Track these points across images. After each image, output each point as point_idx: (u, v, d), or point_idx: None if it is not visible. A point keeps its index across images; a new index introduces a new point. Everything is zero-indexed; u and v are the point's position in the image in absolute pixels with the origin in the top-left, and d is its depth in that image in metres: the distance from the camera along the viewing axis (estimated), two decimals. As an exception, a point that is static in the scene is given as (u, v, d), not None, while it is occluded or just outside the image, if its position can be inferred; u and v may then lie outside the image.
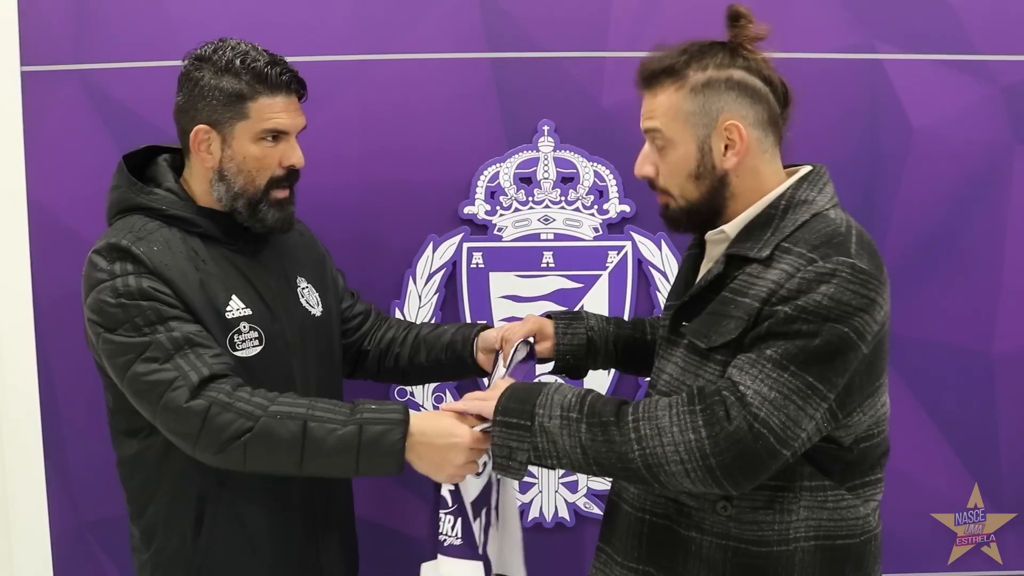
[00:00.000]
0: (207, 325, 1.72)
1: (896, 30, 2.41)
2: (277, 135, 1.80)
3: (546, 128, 2.40)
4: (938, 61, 2.42)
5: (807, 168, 1.66)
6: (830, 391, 1.45)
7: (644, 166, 1.67)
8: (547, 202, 2.41)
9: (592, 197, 2.41)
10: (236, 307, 1.77)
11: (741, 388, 1.44)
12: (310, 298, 1.95)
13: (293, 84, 1.81)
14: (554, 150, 2.40)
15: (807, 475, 1.55)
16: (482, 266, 2.42)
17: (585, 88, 2.41)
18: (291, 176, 1.84)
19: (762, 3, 2.32)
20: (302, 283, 1.95)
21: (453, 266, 2.41)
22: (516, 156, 2.41)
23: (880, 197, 2.43)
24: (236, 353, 1.75)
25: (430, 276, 2.42)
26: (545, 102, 2.40)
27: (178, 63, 2.31)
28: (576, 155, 2.40)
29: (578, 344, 1.97)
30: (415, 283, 2.41)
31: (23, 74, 2.36)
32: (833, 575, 1.57)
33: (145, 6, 2.36)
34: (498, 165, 2.40)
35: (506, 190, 2.40)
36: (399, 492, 2.51)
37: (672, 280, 2.19)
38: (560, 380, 1.63)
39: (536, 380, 1.73)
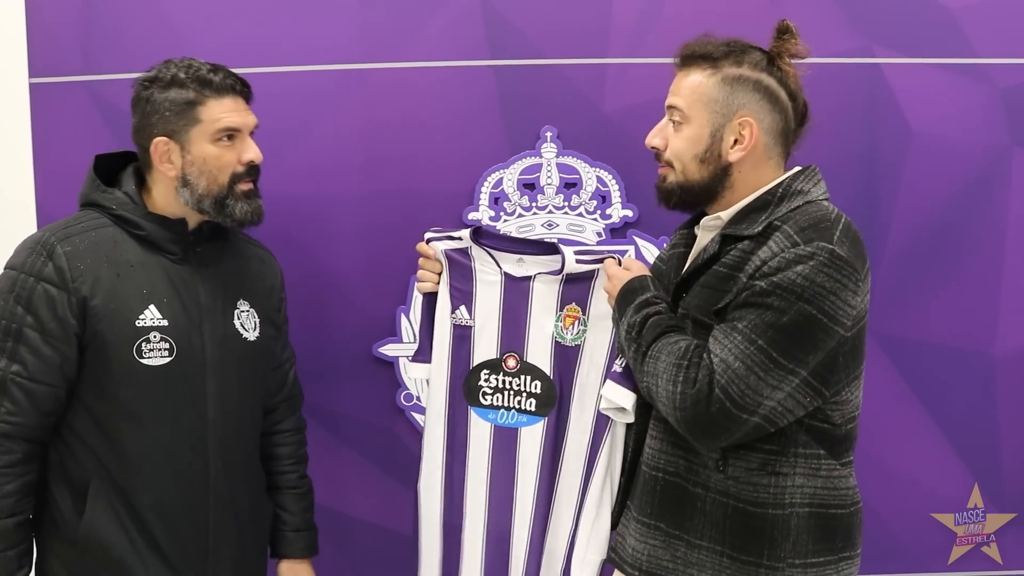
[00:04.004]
0: (107, 329, 1.79)
1: (894, 34, 2.43)
2: (232, 134, 1.88)
3: (549, 134, 2.42)
4: (936, 65, 2.44)
5: (798, 167, 1.77)
6: (797, 366, 1.57)
7: (655, 137, 1.79)
8: (550, 207, 2.44)
9: (595, 202, 2.43)
10: (150, 316, 1.83)
11: (712, 356, 1.59)
12: (247, 322, 1.98)
13: (237, 86, 1.90)
14: (557, 156, 2.42)
15: (802, 443, 1.65)
16: (486, 271, 2.44)
17: (587, 95, 2.43)
18: (252, 171, 1.92)
19: (761, 8, 2.36)
20: (243, 306, 1.99)
21: (458, 272, 2.43)
22: (519, 162, 2.43)
23: (880, 200, 2.44)
24: (142, 361, 1.81)
25: (435, 282, 2.43)
26: (547, 109, 2.43)
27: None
28: (579, 161, 2.42)
29: None
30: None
31: (31, 85, 2.39)
32: (825, 543, 1.68)
33: (151, 17, 2.39)
34: (502, 171, 2.43)
35: (510, 196, 2.43)
36: (384, 486, 2.52)
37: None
38: (657, 293, 1.80)
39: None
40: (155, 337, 1.82)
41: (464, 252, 2.03)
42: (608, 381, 1.89)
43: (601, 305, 1.93)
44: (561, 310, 1.97)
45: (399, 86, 2.41)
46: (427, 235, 2.06)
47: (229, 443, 1.93)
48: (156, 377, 1.83)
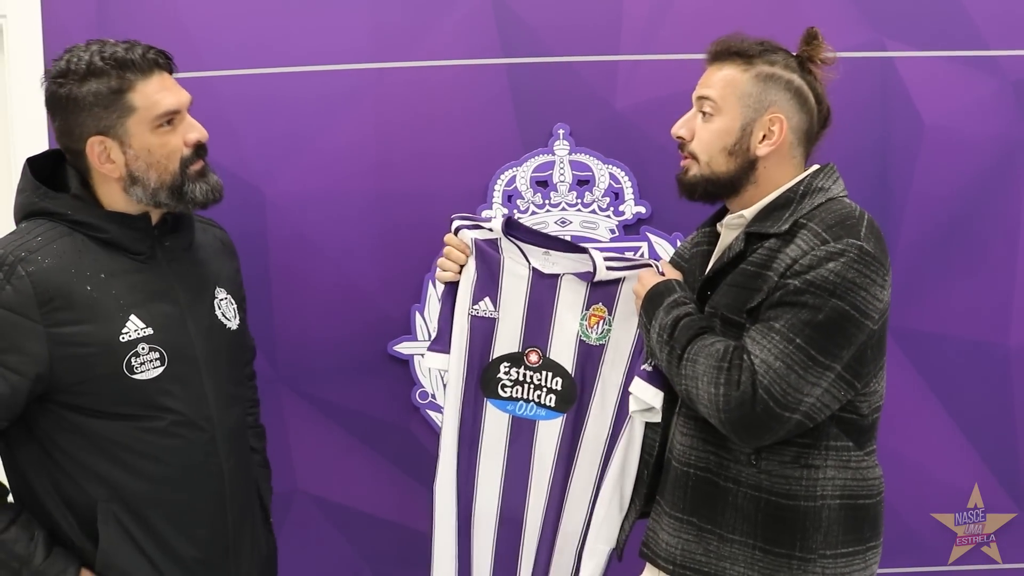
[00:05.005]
0: (92, 353, 1.64)
1: (906, 27, 2.43)
2: (171, 118, 1.70)
3: (561, 132, 2.43)
4: (948, 57, 2.44)
5: (817, 166, 1.80)
6: (833, 362, 1.60)
7: (681, 128, 1.80)
8: (563, 205, 2.44)
9: (608, 199, 2.44)
10: (133, 328, 1.67)
11: (752, 357, 1.60)
12: (227, 310, 1.88)
13: (160, 60, 1.71)
14: (569, 153, 2.43)
15: (833, 435, 1.68)
16: (500, 269, 2.45)
17: (599, 91, 2.43)
18: (200, 151, 1.75)
19: (773, 4, 2.36)
20: (221, 294, 1.87)
21: (472, 269, 2.44)
22: (532, 160, 2.44)
23: (893, 193, 2.45)
24: (135, 376, 1.67)
25: (449, 279, 2.44)
26: (560, 106, 2.44)
27: (199, 74, 2.37)
28: (591, 158, 2.43)
29: None
30: (435, 287, 2.43)
31: (47, 87, 2.40)
32: (854, 533, 1.70)
33: (165, 20, 2.41)
34: (515, 169, 2.44)
35: (523, 193, 2.44)
36: (400, 483, 2.53)
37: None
38: (683, 294, 1.80)
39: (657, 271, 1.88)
40: (144, 349, 1.68)
41: (493, 243, 2.00)
42: (636, 379, 1.89)
43: (626, 306, 1.93)
44: (587, 310, 1.97)
45: (412, 85, 2.42)
46: (455, 222, 2.02)
47: (233, 438, 1.84)
48: (153, 389, 1.69)
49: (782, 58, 1.76)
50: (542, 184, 2.44)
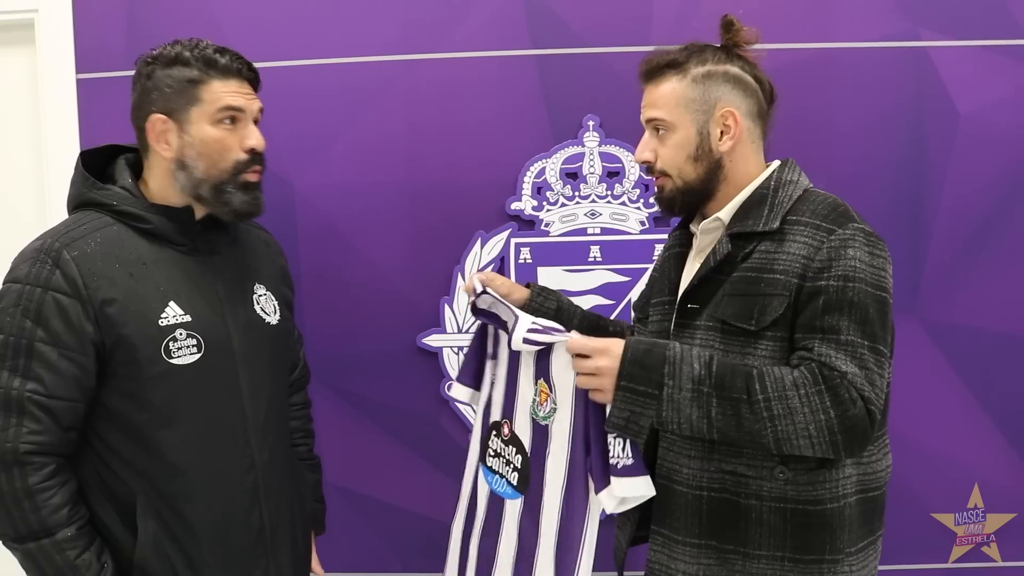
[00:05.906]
0: (133, 333, 1.68)
1: (940, 17, 2.40)
2: (234, 117, 1.77)
3: (591, 123, 2.42)
4: (983, 47, 2.41)
5: (779, 160, 1.81)
6: (886, 347, 1.63)
7: (643, 152, 1.80)
8: (593, 196, 2.43)
9: (638, 191, 2.43)
10: (172, 314, 1.73)
11: (844, 370, 1.57)
12: (266, 306, 1.91)
13: (244, 69, 1.79)
14: (599, 145, 2.42)
15: None
16: (530, 261, 2.44)
17: (629, 83, 2.39)
18: (256, 159, 1.80)
19: (805, -7, 2.34)
20: (260, 290, 1.91)
21: (501, 261, 2.44)
22: (562, 152, 2.43)
23: (928, 185, 2.42)
24: (172, 361, 1.71)
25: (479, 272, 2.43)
26: (590, 97, 2.43)
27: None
28: (621, 149, 2.42)
29: (548, 309, 2.00)
30: (464, 279, 2.43)
31: (78, 81, 2.42)
32: (868, 525, 1.71)
33: (195, 12, 2.42)
34: (544, 161, 2.43)
35: (552, 185, 2.43)
36: (428, 475, 2.53)
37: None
38: (675, 343, 1.64)
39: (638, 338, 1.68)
40: (181, 335, 1.72)
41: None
42: (616, 479, 1.64)
43: (560, 381, 1.74)
44: (535, 384, 1.80)
45: (442, 77, 2.42)
46: (477, 296, 1.90)
47: (268, 432, 1.85)
48: (188, 376, 1.73)
49: (711, 54, 1.76)
50: (572, 176, 2.43)
